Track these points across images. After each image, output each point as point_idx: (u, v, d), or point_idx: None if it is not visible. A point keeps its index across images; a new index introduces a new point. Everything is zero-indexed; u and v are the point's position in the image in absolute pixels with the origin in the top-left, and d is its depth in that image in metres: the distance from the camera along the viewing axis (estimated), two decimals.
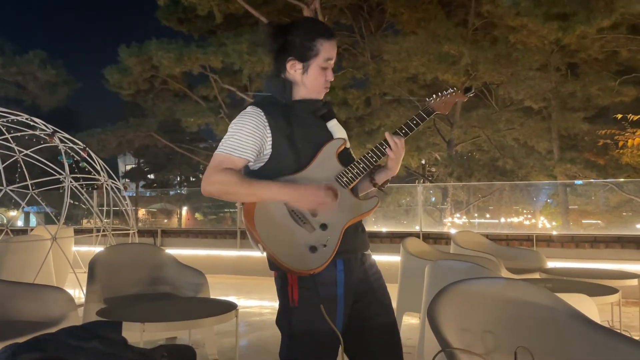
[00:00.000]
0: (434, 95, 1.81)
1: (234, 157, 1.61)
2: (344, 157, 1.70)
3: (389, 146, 1.69)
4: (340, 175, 1.65)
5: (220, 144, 1.65)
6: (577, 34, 11.20)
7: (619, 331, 1.78)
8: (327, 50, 1.70)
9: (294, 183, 1.60)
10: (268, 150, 1.64)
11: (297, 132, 1.65)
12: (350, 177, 1.65)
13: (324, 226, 1.59)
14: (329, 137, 1.70)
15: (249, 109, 1.67)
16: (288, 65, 1.70)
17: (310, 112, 1.71)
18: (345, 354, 1.72)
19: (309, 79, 1.70)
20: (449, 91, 1.81)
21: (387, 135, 1.70)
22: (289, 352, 1.65)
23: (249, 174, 1.69)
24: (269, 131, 1.63)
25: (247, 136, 1.62)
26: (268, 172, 1.64)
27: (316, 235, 1.58)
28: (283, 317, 1.67)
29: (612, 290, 3.26)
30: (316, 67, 1.69)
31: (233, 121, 1.67)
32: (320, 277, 1.58)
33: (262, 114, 1.64)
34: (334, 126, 1.73)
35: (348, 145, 1.75)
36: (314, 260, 1.56)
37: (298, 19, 1.78)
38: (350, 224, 1.64)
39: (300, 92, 1.72)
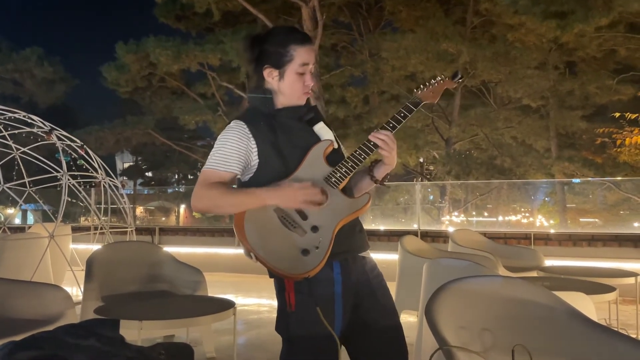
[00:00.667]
0: (421, 86, 1.81)
1: (220, 172, 1.63)
2: (334, 159, 1.69)
3: (378, 145, 1.66)
4: (329, 176, 1.65)
5: (207, 159, 1.67)
6: (575, 33, 11.22)
7: (616, 329, 1.78)
8: (301, 56, 1.69)
9: (279, 184, 1.61)
10: (255, 160, 1.66)
11: (282, 139, 1.66)
12: (339, 176, 1.64)
13: (315, 228, 1.58)
14: (315, 140, 1.70)
15: (232, 123, 1.69)
16: (265, 73, 1.71)
17: (295, 118, 1.72)
18: (350, 359, 1.72)
19: (286, 85, 1.71)
20: (436, 79, 1.81)
21: (371, 136, 1.68)
22: (289, 357, 1.64)
23: (240, 186, 1.71)
24: (253, 142, 1.65)
25: (231, 150, 1.64)
26: (258, 182, 1.65)
27: (308, 238, 1.57)
28: (281, 322, 1.66)
29: (610, 289, 3.27)
30: (292, 72, 1.69)
31: (218, 137, 1.70)
32: (316, 278, 1.57)
33: (245, 126, 1.66)
34: (320, 129, 1.73)
35: (336, 145, 1.75)
36: (307, 263, 1.55)
37: (272, 28, 1.80)
38: (343, 224, 1.63)
39: (281, 100, 1.73)
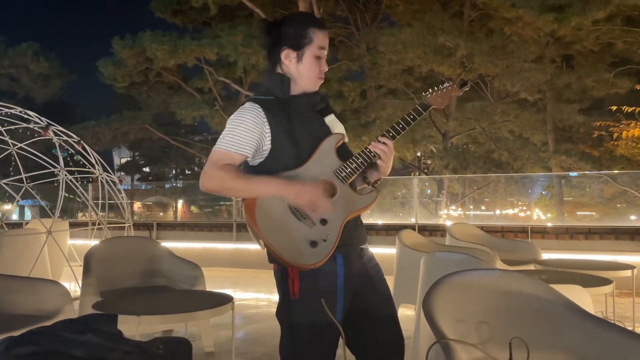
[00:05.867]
0: (430, 90, 1.82)
1: (232, 153, 1.61)
2: (342, 152, 1.71)
3: (378, 156, 1.69)
4: (339, 170, 1.66)
5: (219, 140, 1.65)
6: (573, 26, 11.21)
7: (612, 322, 1.79)
8: (320, 39, 1.71)
9: (292, 179, 1.61)
10: (267, 146, 1.64)
11: (296, 127, 1.66)
12: (349, 171, 1.66)
13: (323, 221, 1.60)
14: (327, 132, 1.71)
15: (247, 104, 1.67)
16: (283, 55, 1.71)
17: (308, 106, 1.72)
18: (347, 346, 1.73)
19: (304, 68, 1.70)
20: (445, 85, 1.82)
21: (372, 145, 1.70)
22: (290, 344, 1.65)
23: (249, 169, 1.69)
24: (267, 127, 1.63)
25: (245, 132, 1.62)
26: (268, 168, 1.64)
27: (316, 230, 1.59)
28: (283, 310, 1.67)
29: (606, 281, 3.28)
30: (310, 55, 1.70)
31: (231, 117, 1.67)
32: (320, 270, 1.59)
33: (261, 109, 1.64)
34: (331, 121, 1.74)
35: (346, 140, 1.76)
36: (314, 255, 1.57)
37: (291, 13, 1.82)
38: (349, 219, 1.65)
39: (297, 86, 1.72)
